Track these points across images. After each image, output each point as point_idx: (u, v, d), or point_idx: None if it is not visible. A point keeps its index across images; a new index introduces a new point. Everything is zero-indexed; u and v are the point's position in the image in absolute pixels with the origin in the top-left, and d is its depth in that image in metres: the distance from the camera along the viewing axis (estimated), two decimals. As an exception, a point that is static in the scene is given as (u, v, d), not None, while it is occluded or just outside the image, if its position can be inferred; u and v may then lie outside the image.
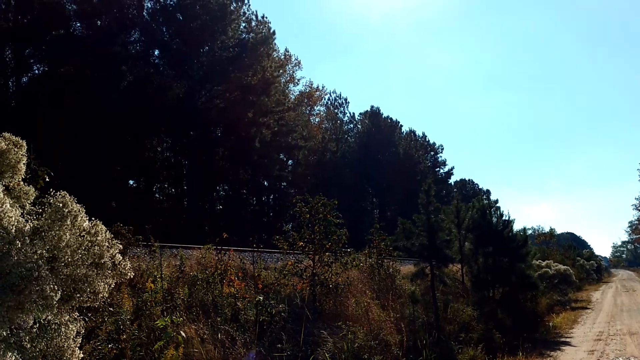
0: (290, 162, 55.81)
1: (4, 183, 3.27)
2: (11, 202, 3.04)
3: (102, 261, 3.23)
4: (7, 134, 3.48)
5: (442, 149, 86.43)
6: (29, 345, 3.08)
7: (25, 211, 3.27)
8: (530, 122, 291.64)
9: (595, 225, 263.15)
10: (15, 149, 3.41)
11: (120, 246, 3.39)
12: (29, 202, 3.41)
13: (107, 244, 3.28)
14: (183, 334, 8.28)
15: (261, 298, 11.13)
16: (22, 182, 3.45)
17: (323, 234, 14.29)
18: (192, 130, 40.54)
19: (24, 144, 3.51)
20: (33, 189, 3.49)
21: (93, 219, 3.35)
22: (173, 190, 47.10)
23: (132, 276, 3.48)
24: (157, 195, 46.83)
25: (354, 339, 11.54)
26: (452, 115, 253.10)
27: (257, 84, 42.11)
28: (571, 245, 65.12)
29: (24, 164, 3.43)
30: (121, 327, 7.94)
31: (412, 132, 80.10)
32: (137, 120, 35.75)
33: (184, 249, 14.93)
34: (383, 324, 13.27)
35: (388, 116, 73.02)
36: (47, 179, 4.93)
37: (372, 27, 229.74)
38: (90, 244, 3.21)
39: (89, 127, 33.66)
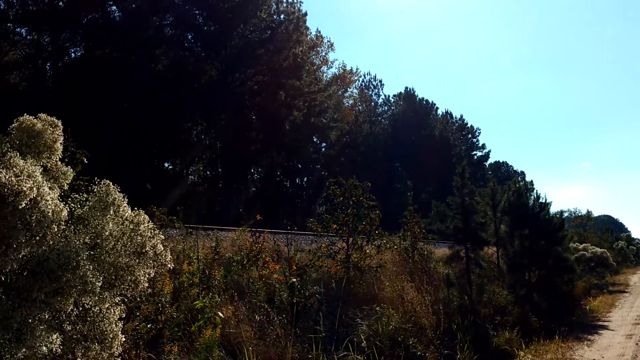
0: (323, 144, 55.83)
1: (42, 163, 3.31)
2: (49, 183, 3.07)
3: (144, 251, 3.27)
4: (42, 115, 3.52)
5: (480, 132, 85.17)
6: (69, 328, 3.13)
7: (62, 192, 3.31)
8: (560, 104, 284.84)
9: (634, 208, 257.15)
10: (51, 129, 3.45)
11: (162, 236, 3.42)
12: (67, 182, 3.46)
13: (149, 233, 3.32)
14: (221, 315, 8.37)
15: (295, 280, 11.18)
16: (59, 162, 3.49)
17: (356, 217, 14.27)
18: (225, 113, 40.74)
19: (60, 124, 3.55)
20: (71, 170, 3.53)
21: (136, 208, 3.38)
22: (208, 172, 47.56)
23: (172, 267, 3.51)
24: (192, 177, 47.34)
25: (388, 321, 11.53)
26: (484, 97, 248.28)
27: (289, 66, 42.05)
28: (609, 228, 64.02)
29: (60, 143, 3.47)
30: (160, 308, 8.06)
31: (448, 114, 79.20)
32: (172, 103, 36.04)
33: (219, 231, 15.08)
34: (417, 307, 13.23)
35: (423, 98, 72.36)
36: (85, 161, 4.99)
37: (403, 6, 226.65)
38: (132, 234, 3.25)
39: (124, 109, 34.07)
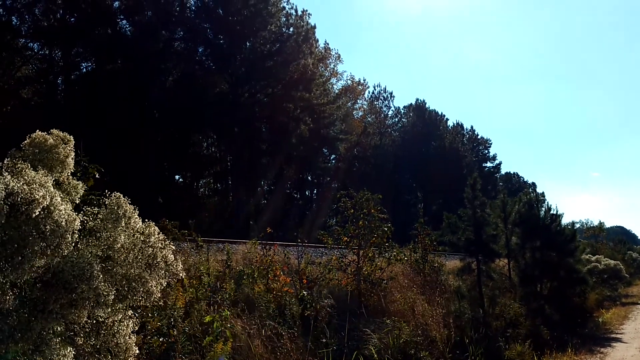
0: (333, 156, 55.90)
1: (54, 177, 3.33)
2: (61, 195, 3.09)
3: (156, 262, 3.28)
4: (55, 130, 3.57)
5: (491, 144, 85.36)
6: (81, 342, 3.14)
7: (74, 206, 3.33)
8: (567, 114, 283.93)
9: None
10: (63, 145, 3.49)
11: (173, 247, 3.44)
12: (78, 196, 3.48)
13: (160, 245, 3.33)
14: (234, 328, 8.36)
15: (306, 293, 11.16)
16: (70, 177, 3.52)
17: (367, 229, 14.23)
18: (236, 126, 40.90)
19: (72, 139, 3.59)
20: (82, 184, 3.55)
21: (146, 220, 3.40)
22: (218, 185, 47.69)
23: (183, 277, 3.52)
24: (202, 190, 47.48)
25: (399, 334, 11.48)
26: (495, 108, 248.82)
27: (298, 78, 42.22)
28: (621, 240, 63.51)
29: (72, 159, 3.51)
30: (172, 322, 8.06)
31: (458, 125, 79.27)
32: (182, 116, 36.25)
33: (230, 244, 15.08)
34: (428, 320, 13.15)
35: (433, 109, 72.46)
36: (97, 176, 5.02)
37: (412, 19, 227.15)
38: (144, 245, 3.26)
39: (135, 123, 34.27)
